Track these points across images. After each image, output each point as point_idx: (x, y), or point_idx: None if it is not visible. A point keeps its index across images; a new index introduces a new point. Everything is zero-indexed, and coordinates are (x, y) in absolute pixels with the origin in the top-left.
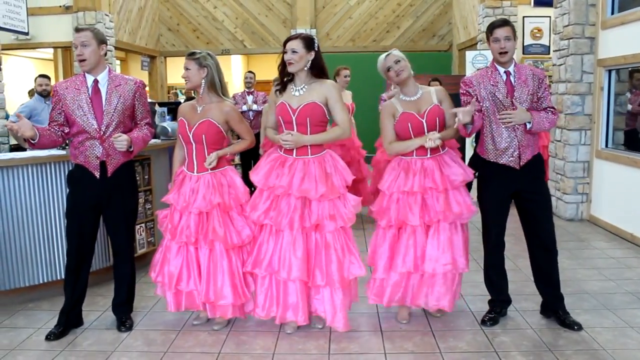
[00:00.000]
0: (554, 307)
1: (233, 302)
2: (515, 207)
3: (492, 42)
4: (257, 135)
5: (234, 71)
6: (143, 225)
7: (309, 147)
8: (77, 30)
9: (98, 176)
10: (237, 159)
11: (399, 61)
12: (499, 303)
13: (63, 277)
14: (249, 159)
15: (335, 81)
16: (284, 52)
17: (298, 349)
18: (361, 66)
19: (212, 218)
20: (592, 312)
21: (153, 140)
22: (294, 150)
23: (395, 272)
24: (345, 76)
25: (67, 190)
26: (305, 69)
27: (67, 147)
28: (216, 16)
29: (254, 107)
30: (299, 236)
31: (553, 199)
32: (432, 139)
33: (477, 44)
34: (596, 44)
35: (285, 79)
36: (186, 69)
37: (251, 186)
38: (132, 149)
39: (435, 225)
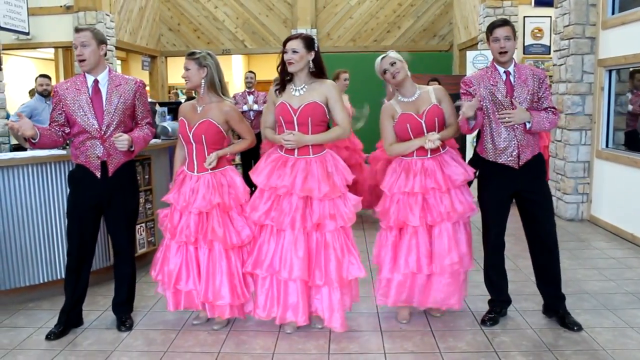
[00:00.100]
0: (555, 307)
1: (231, 303)
2: (517, 207)
3: (492, 42)
4: (258, 135)
5: (234, 71)
6: (143, 225)
7: (310, 146)
8: (77, 30)
9: (99, 176)
10: (237, 159)
11: (394, 63)
12: (499, 303)
13: (63, 276)
14: (249, 158)
15: None
16: (284, 52)
17: (298, 348)
18: (362, 66)
19: (211, 218)
20: (592, 312)
21: (153, 140)
22: (296, 150)
23: (399, 272)
24: (345, 79)
25: (68, 190)
26: (305, 69)
27: (67, 147)
28: (217, 16)
29: (255, 107)
30: (300, 236)
31: (553, 199)
32: (431, 140)
33: (477, 44)
34: (597, 44)
35: (284, 78)
36: (186, 69)
37: (252, 186)
38: (133, 149)
39: (439, 225)
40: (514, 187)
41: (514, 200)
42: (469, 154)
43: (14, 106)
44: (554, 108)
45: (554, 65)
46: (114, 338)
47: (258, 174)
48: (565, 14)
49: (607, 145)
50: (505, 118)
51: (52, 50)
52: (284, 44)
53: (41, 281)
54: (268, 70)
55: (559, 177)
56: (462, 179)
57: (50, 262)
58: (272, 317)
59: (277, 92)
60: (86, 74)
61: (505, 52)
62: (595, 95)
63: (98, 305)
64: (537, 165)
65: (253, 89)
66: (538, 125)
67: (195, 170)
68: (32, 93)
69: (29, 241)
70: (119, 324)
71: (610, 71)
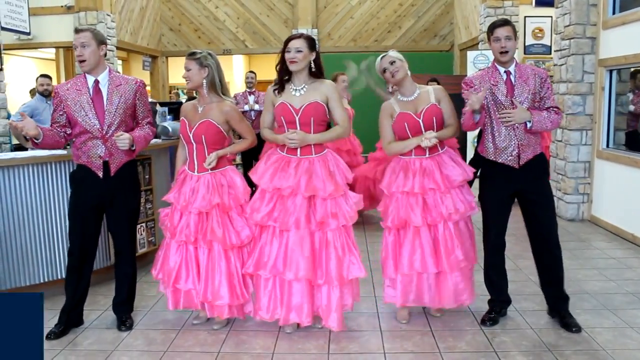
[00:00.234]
0: (556, 307)
1: (230, 303)
2: (520, 208)
3: (492, 42)
4: (259, 135)
5: (235, 71)
6: (144, 224)
7: (312, 146)
8: (77, 31)
9: (101, 176)
10: (238, 159)
11: (393, 62)
12: (499, 303)
13: (64, 276)
14: (250, 158)
15: None
16: (286, 51)
17: (298, 348)
18: None
19: (211, 218)
20: (592, 312)
21: (154, 140)
22: (298, 150)
23: (402, 272)
24: (343, 81)
25: (69, 190)
26: (306, 68)
27: (68, 147)
28: (218, 16)
29: (256, 107)
30: (305, 235)
31: (554, 199)
32: (427, 138)
33: (478, 44)
34: (597, 44)
35: (283, 78)
36: (187, 69)
37: (252, 186)
38: (134, 148)
39: (442, 224)
40: (515, 187)
41: (516, 200)
42: (470, 153)
43: (15, 106)
44: (556, 108)
45: (554, 65)
46: (114, 338)
47: (260, 176)
48: (565, 14)
49: (607, 146)
50: (505, 117)
51: (53, 50)
52: (286, 43)
53: (42, 281)
54: (269, 70)
55: (559, 177)
56: (460, 179)
57: (50, 261)
58: (276, 318)
59: (276, 92)
60: (86, 75)
61: (506, 52)
62: (595, 95)
63: (98, 305)
64: (539, 165)
65: (254, 89)
66: (539, 125)
67: (196, 170)
68: (32, 93)
69: (30, 241)
70: (119, 323)
71: (610, 71)
